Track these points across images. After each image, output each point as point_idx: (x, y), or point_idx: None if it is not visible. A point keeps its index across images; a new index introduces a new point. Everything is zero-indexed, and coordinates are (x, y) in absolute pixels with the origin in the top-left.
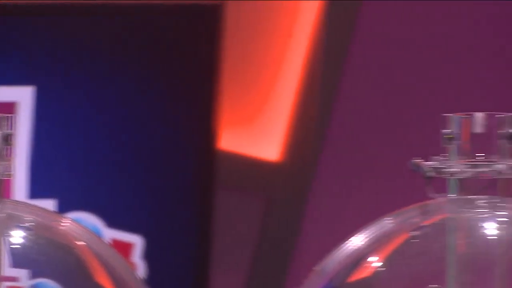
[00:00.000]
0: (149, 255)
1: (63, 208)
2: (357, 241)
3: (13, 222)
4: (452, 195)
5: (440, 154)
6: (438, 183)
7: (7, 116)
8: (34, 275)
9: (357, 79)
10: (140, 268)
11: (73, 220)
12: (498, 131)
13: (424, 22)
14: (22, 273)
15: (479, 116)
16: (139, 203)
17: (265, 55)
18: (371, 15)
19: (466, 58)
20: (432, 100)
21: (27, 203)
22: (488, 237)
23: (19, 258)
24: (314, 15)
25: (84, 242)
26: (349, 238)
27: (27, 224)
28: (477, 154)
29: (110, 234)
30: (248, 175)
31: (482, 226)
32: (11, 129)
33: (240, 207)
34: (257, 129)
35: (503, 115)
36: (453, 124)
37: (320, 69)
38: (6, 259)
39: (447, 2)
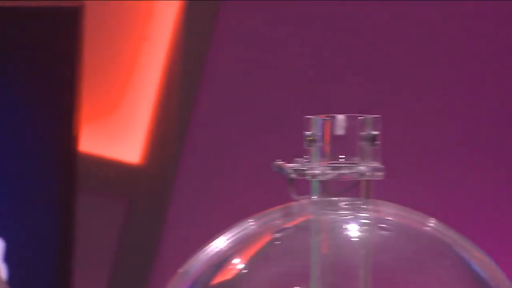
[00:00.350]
0: (10, 258)
1: None
2: (220, 243)
3: None
4: (315, 197)
5: (303, 156)
6: (302, 185)
7: None
8: None
9: (218, 80)
10: (2, 271)
11: None
12: (360, 133)
13: (284, 22)
14: None
15: (341, 118)
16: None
17: (125, 57)
18: (231, 15)
19: (328, 59)
20: (294, 102)
21: None
22: (350, 239)
23: None
24: (174, 15)
25: None
26: (212, 240)
27: None
28: (339, 156)
29: None
30: (109, 178)
31: (345, 228)
32: None
33: (102, 210)
34: (118, 132)
35: (364, 116)
36: (315, 126)
37: (180, 70)
38: None
39: (306, 2)
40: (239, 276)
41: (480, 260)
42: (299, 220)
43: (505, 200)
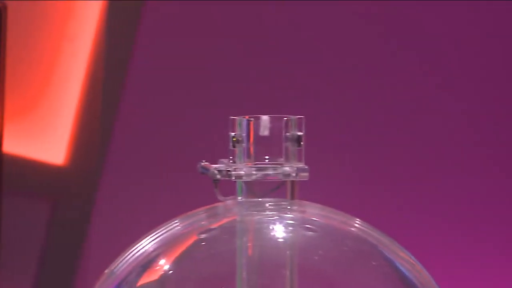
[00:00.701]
0: None
1: None
2: (146, 243)
3: None
4: (240, 198)
5: (228, 157)
6: (227, 186)
7: None
8: None
9: (142, 79)
10: None
11: None
12: (285, 134)
13: (210, 22)
14: None
15: (265, 118)
16: None
17: (48, 57)
18: (154, 14)
19: (253, 59)
20: (220, 102)
21: None
22: (276, 240)
23: None
24: (97, 14)
25: None
26: (138, 240)
27: None
28: (264, 157)
29: None
30: (33, 179)
31: (271, 229)
32: None
33: (26, 211)
34: (42, 133)
35: (289, 117)
36: (240, 126)
37: (103, 69)
38: None
39: (231, 2)
40: (165, 277)
41: (405, 260)
42: (225, 221)
43: (430, 200)
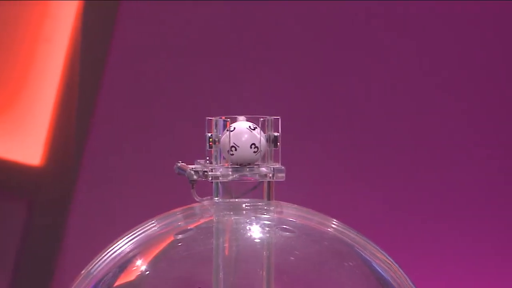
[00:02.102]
0: None
1: None
2: (123, 244)
3: None
4: (217, 199)
5: (205, 158)
6: (204, 187)
7: None
8: None
9: (118, 80)
10: None
11: None
12: (265, 134)
13: (185, 22)
14: None
15: (242, 119)
16: None
17: (24, 58)
18: (130, 15)
19: (229, 60)
20: (197, 103)
21: None
22: (253, 240)
23: None
24: (73, 15)
25: None
26: (115, 241)
27: None
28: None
29: None
30: (10, 180)
31: (247, 229)
32: None
33: (3, 212)
34: (18, 134)
35: (265, 118)
36: (217, 127)
37: (79, 70)
38: None
39: (206, 2)
40: (142, 277)
41: (381, 261)
42: (201, 221)
43: (407, 200)
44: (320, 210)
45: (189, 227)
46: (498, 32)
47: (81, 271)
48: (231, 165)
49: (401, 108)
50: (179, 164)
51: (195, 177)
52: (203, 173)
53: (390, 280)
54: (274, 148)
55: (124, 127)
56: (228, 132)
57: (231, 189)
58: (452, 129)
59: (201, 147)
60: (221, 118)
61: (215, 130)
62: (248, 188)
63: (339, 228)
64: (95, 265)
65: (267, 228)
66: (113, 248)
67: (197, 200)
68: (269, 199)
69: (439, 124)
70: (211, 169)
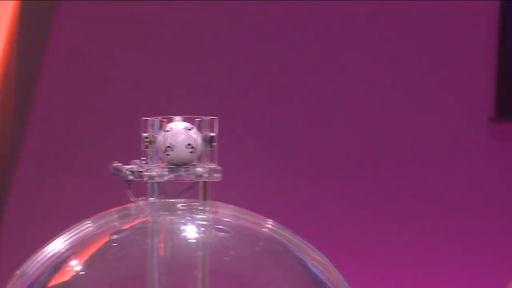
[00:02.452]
0: None
1: None
2: (57, 244)
3: None
4: (152, 199)
5: (140, 158)
6: (140, 187)
7: None
8: None
9: (55, 80)
10: None
11: None
12: (201, 135)
13: (122, 22)
14: None
15: (178, 119)
16: None
17: None
18: (67, 15)
19: (166, 61)
20: (134, 103)
21: None
22: (188, 240)
23: None
24: (10, 15)
25: None
26: (50, 241)
27: None
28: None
29: None
30: None
31: (182, 230)
32: None
33: None
34: None
35: (202, 118)
36: (153, 127)
37: (16, 69)
38: None
39: (144, 2)
40: (76, 277)
41: (316, 261)
42: (137, 221)
43: (343, 200)
44: (256, 210)
45: (124, 228)
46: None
47: (16, 271)
48: (167, 165)
49: (335, 109)
50: (114, 164)
51: (130, 177)
52: (139, 173)
53: (325, 280)
54: (210, 148)
55: (60, 127)
56: (164, 132)
57: (167, 189)
58: (381, 129)
59: (137, 148)
60: (157, 118)
61: (151, 131)
62: (183, 188)
63: (275, 228)
64: (30, 265)
65: (202, 228)
66: (48, 248)
67: (133, 200)
68: (205, 199)
69: (365, 125)
70: (147, 169)
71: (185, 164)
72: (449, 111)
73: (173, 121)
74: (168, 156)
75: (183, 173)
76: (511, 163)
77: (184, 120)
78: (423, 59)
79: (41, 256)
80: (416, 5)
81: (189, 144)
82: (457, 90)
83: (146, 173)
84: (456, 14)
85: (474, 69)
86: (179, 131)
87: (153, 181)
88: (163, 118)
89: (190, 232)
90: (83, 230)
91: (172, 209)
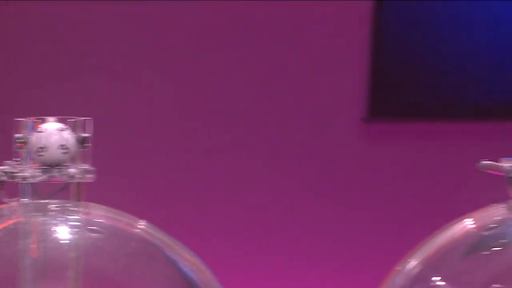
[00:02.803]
0: None
1: None
2: None
3: None
4: (25, 200)
5: (13, 159)
6: (14, 188)
7: None
8: None
9: None
10: None
11: None
12: (74, 135)
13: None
14: None
15: (52, 121)
16: None
17: None
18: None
19: (43, 59)
20: (8, 104)
21: None
22: (60, 241)
23: None
24: None
25: None
26: None
27: None
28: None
29: None
30: None
31: (55, 230)
32: None
33: None
34: None
35: (75, 119)
36: (26, 128)
37: None
38: None
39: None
40: None
41: (188, 261)
42: (9, 222)
43: (218, 201)
44: (129, 211)
45: None
46: None
47: None
48: (40, 166)
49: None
50: None
51: (3, 178)
52: (12, 174)
53: (196, 280)
54: (83, 149)
55: None
56: (36, 133)
57: (39, 190)
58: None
59: (10, 148)
60: (30, 119)
61: (24, 131)
62: (56, 189)
63: (147, 229)
64: None
65: (74, 229)
66: None
67: (5, 201)
68: (78, 200)
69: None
70: (20, 170)
71: (58, 165)
72: (322, 111)
73: (47, 122)
74: (41, 157)
75: (56, 174)
76: (382, 162)
77: (58, 121)
78: (300, 61)
79: None
80: (289, 5)
81: (62, 145)
82: (330, 91)
83: (19, 174)
84: (329, 15)
85: (347, 70)
86: (52, 132)
87: (26, 181)
88: (36, 119)
89: (63, 233)
90: None
91: (44, 210)
